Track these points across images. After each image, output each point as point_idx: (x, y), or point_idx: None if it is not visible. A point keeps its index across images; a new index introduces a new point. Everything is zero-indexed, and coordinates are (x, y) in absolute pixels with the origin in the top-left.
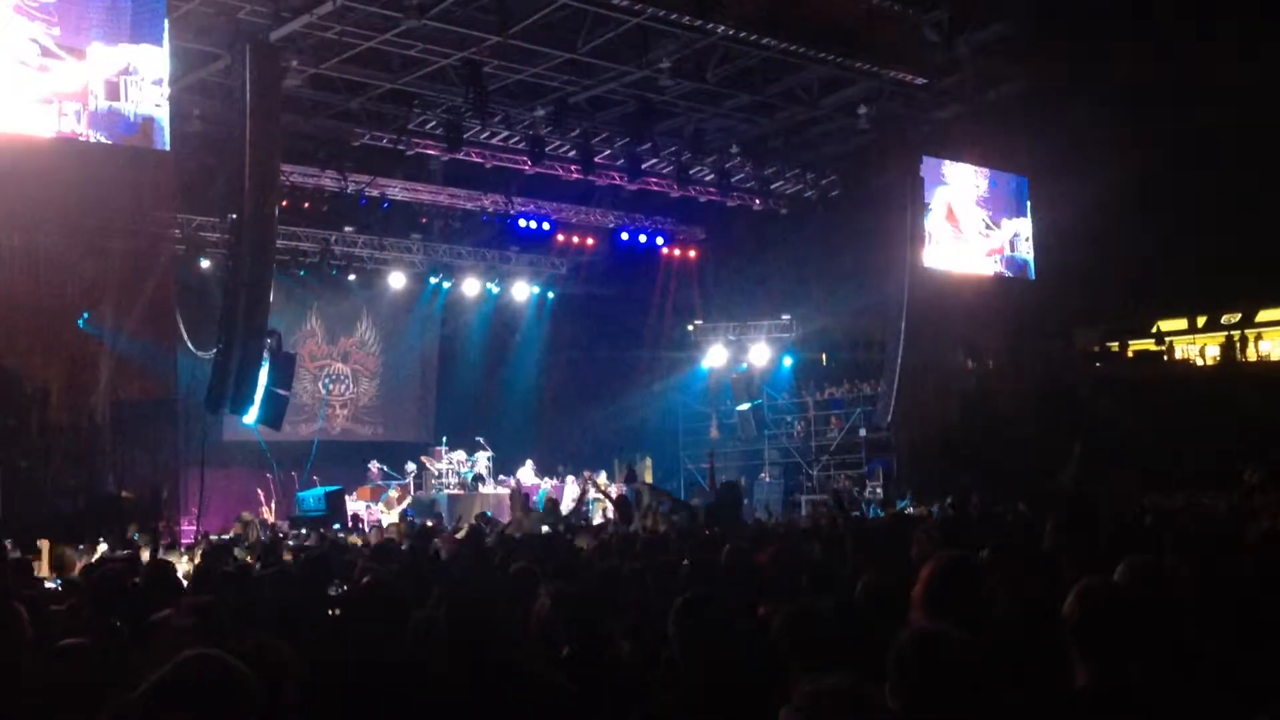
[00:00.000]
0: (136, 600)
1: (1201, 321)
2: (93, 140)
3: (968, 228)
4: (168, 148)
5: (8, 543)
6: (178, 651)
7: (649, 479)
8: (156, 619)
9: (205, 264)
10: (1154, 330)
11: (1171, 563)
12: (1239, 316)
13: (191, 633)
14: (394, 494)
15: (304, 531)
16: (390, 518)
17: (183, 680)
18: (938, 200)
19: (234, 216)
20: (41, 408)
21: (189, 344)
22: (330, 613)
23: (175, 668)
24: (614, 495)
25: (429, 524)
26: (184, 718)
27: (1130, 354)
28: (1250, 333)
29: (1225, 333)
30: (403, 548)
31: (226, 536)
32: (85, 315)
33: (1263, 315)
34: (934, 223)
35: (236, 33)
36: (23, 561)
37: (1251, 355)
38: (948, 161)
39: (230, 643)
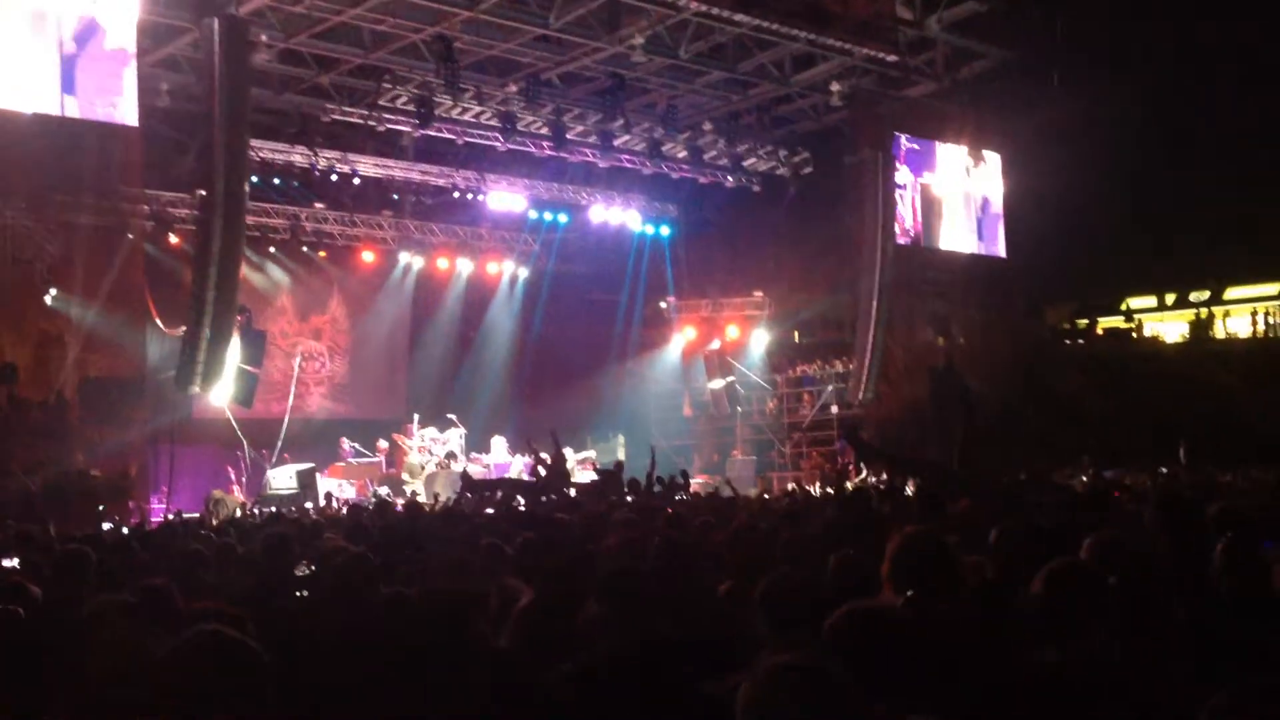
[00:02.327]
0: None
1: (1171, 299)
2: (60, 115)
3: (944, 207)
4: (136, 123)
5: None
6: (121, 631)
7: (621, 456)
8: (104, 601)
9: (174, 240)
10: (1123, 308)
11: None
12: (1208, 294)
13: (139, 612)
14: (415, 462)
15: (272, 510)
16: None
17: (193, 654)
18: (915, 178)
19: (203, 192)
20: (9, 385)
21: (158, 321)
22: (299, 593)
23: (185, 642)
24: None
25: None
26: (195, 690)
27: (1100, 331)
28: (1218, 310)
29: (1194, 310)
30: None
31: (196, 515)
32: (53, 291)
33: (1231, 293)
34: (911, 201)
35: (205, 6)
36: None
37: (1220, 333)
38: (929, 140)
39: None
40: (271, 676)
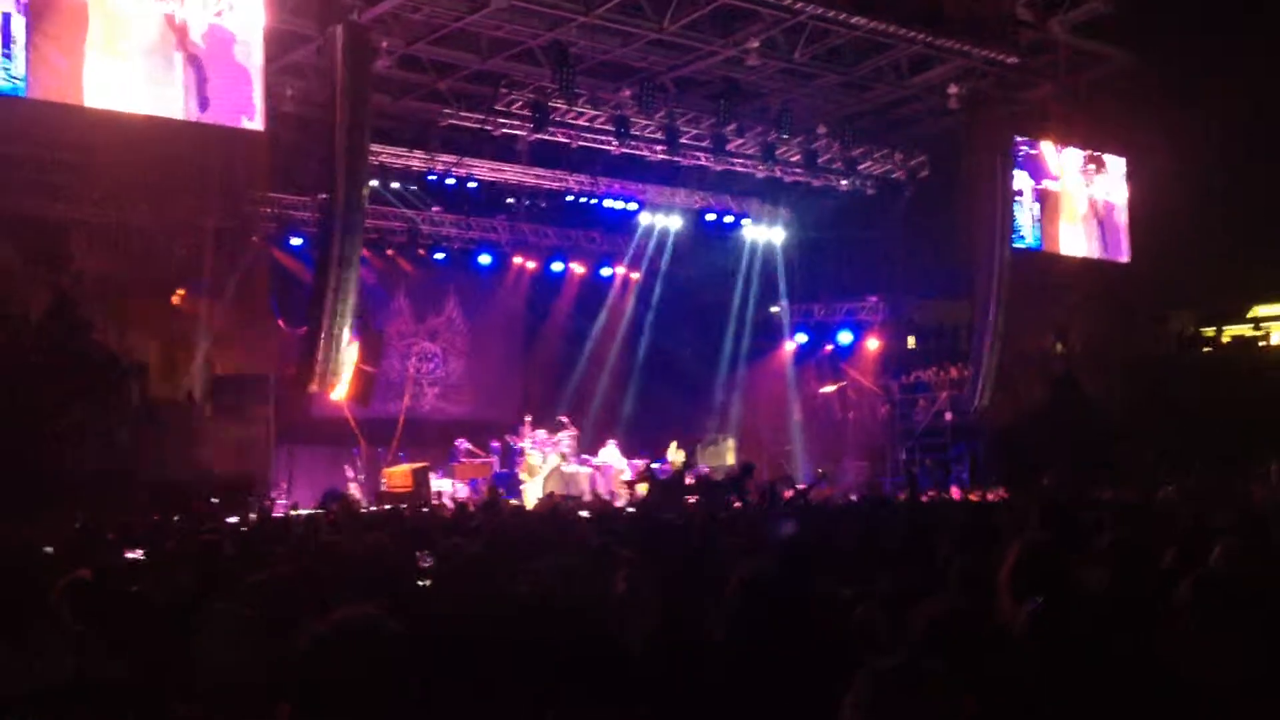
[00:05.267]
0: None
1: None
2: (190, 120)
3: (1064, 212)
4: (263, 128)
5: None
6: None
7: (731, 460)
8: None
9: (296, 242)
10: (1250, 315)
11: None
12: None
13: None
14: (534, 462)
15: (388, 507)
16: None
17: (340, 636)
18: (1034, 183)
19: (325, 196)
20: (139, 382)
21: (280, 321)
22: (420, 584)
23: (333, 625)
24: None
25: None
26: (342, 671)
27: (1225, 339)
28: None
29: None
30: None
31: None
32: (181, 292)
33: None
34: (1030, 206)
35: (329, 14)
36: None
37: None
38: (1049, 144)
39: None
40: (414, 663)
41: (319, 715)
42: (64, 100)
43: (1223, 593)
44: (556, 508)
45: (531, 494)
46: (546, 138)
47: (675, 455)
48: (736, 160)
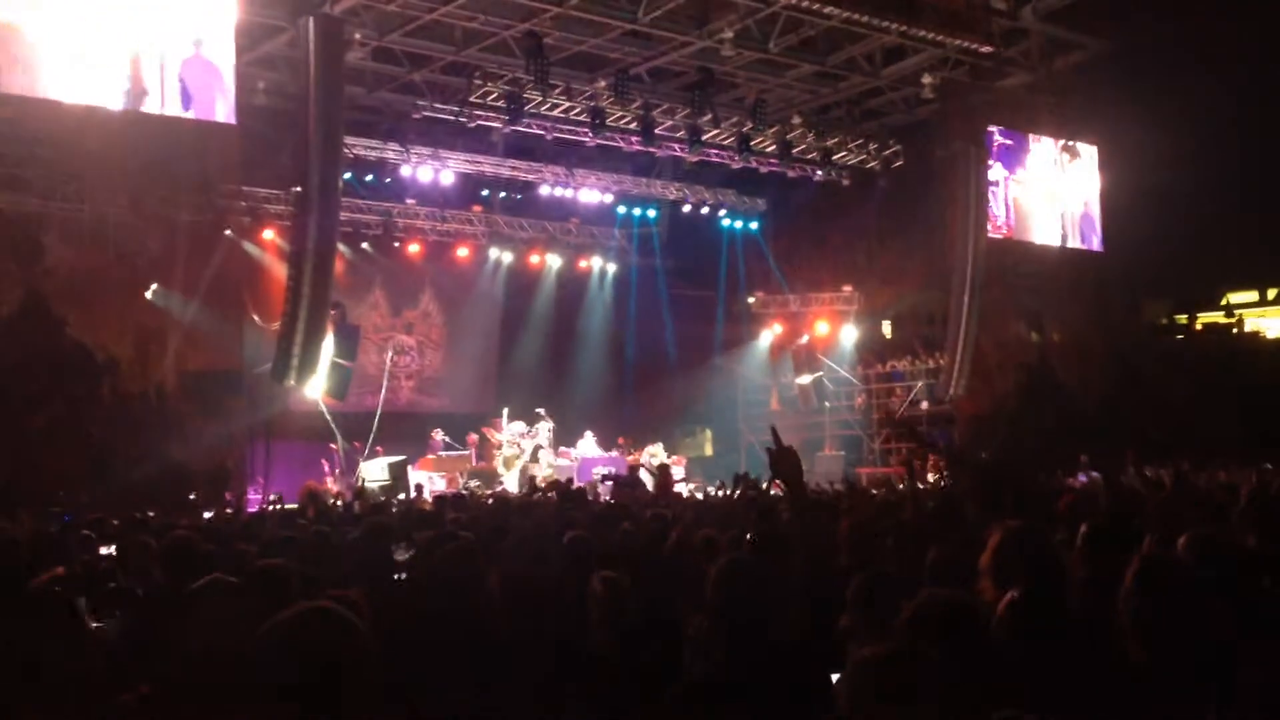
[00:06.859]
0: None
1: (1272, 294)
2: (160, 114)
3: (1037, 200)
4: (234, 121)
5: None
6: (227, 613)
7: (709, 451)
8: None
9: (270, 236)
10: (1223, 302)
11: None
12: None
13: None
14: (509, 454)
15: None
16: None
17: (296, 629)
18: (1009, 173)
19: (298, 189)
20: (111, 378)
21: (254, 315)
22: (396, 576)
23: (289, 618)
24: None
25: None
26: (298, 665)
27: (1199, 326)
28: None
29: None
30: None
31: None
32: (154, 286)
33: None
34: (1004, 195)
35: (300, 6)
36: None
37: None
38: (1021, 133)
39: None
40: (379, 660)
41: (275, 713)
42: (37, 96)
43: (1159, 579)
44: (529, 500)
45: (509, 487)
46: (522, 129)
47: (648, 458)
48: (712, 151)
